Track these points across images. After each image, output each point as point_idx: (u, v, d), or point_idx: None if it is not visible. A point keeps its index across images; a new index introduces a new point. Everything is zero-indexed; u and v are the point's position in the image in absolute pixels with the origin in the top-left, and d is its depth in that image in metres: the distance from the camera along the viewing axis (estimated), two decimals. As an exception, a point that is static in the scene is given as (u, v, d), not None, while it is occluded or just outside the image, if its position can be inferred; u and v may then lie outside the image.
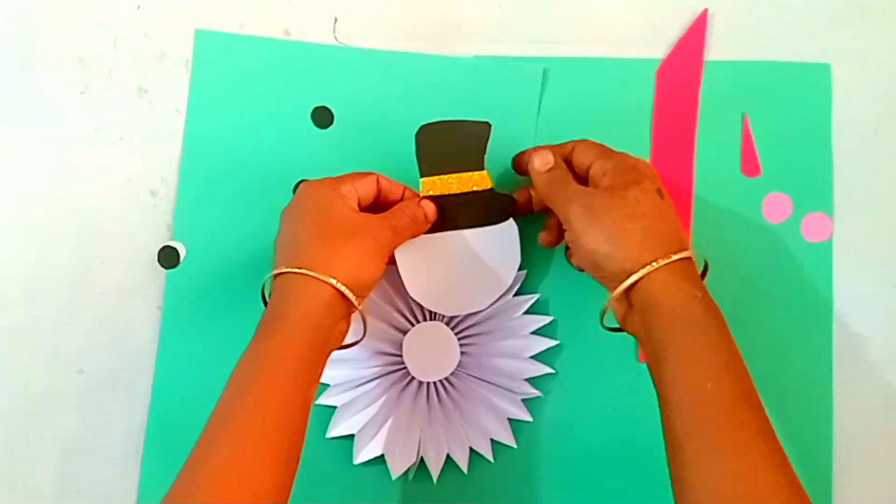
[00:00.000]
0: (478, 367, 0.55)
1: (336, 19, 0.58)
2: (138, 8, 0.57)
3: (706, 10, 0.58)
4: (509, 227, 0.54)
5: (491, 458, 0.54)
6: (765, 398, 0.55)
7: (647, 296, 0.45)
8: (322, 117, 0.57)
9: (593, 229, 0.46)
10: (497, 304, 0.54)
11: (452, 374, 0.54)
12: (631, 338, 0.56)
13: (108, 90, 0.57)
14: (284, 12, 0.57)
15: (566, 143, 0.51)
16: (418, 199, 0.52)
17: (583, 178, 0.50)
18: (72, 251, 0.56)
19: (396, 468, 0.53)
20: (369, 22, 0.58)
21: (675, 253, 0.45)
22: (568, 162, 0.51)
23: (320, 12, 0.57)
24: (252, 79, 0.57)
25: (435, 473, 0.54)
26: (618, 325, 0.48)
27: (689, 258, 0.45)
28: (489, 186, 0.53)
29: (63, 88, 0.57)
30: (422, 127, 0.53)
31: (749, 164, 0.57)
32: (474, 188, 0.53)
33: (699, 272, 0.47)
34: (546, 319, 0.55)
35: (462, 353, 0.55)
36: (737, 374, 0.44)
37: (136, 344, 0.56)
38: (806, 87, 0.58)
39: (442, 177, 0.53)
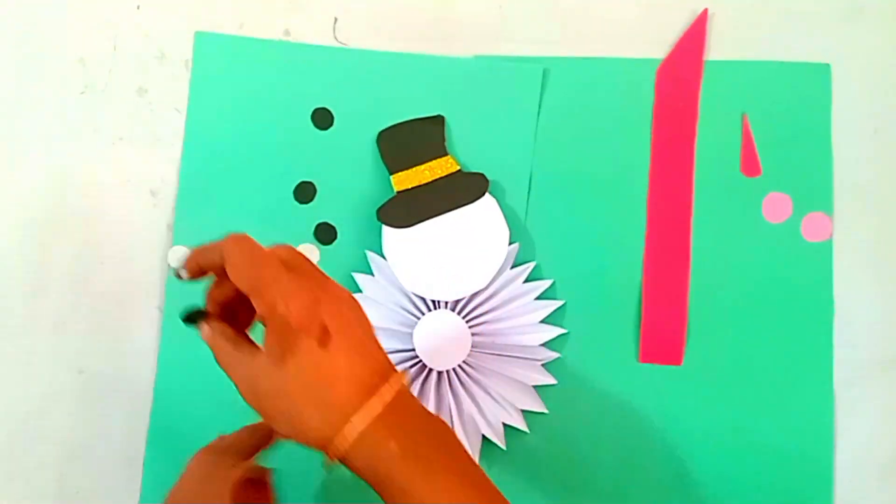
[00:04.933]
0: (491, 344, 0.55)
1: (336, 19, 0.58)
2: (138, 8, 0.57)
3: (706, 10, 0.58)
4: (488, 202, 0.55)
5: (526, 429, 0.54)
6: (765, 398, 0.56)
7: (352, 468, 0.40)
8: (322, 118, 0.57)
9: (268, 411, 0.40)
10: (498, 280, 0.55)
11: (469, 356, 0.55)
12: (631, 335, 0.56)
13: (108, 90, 0.57)
14: (284, 13, 0.57)
15: (216, 248, 0.41)
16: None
17: None
18: (72, 251, 0.56)
19: None
20: (369, 22, 0.57)
21: (357, 411, 0.39)
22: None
23: (320, 12, 0.57)
24: (252, 80, 0.57)
25: (476, 457, 0.54)
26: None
27: (379, 407, 0.39)
28: (457, 168, 0.55)
29: (63, 88, 0.57)
30: (381, 132, 0.56)
31: (749, 164, 0.57)
32: (443, 173, 0.55)
33: (406, 389, 0.41)
34: (546, 284, 0.56)
35: (473, 334, 0.55)
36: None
37: (136, 344, 0.56)
38: (806, 87, 0.58)
39: (410, 170, 0.55)
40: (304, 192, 0.56)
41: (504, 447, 0.55)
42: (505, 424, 0.55)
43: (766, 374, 0.56)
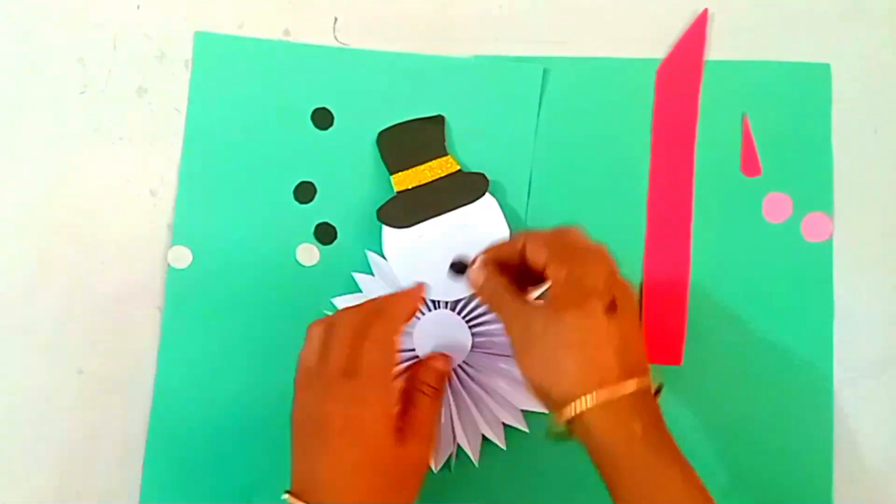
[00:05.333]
0: (491, 344, 0.55)
1: (336, 19, 0.58)
2: (138, 8, 0.57)
3: (706, 10, 0.58)
4: (487, 201, 0.55)
5: (526, 429, 0.54)
6: (765, 399, 0.56)
7: (585, 433, 0.43)
8: (322, 118, 0.57)
9: (529, 355, 0.44)
10: None
11: (469, 356, 0.55)
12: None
13: (108, 90, 0.57)
14: (284, 12, 0.57)
15: (517, 239, 0.48)
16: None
17: (538, 276, 0.47)
18: (72, 251, 0.56)
19: (438, 461, 0.54)
20: (369, 22, 0.58)
21: (613, 384, 0.42)
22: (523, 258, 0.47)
23: (320, 12, 0.57)
24: (252, 80, 0.57)
25: (475, 457, 0.54)
26: (566, 436, 0.45)
27: (634, 389, 0.42)
28: (457, 168, 0.55)
29: (63, 88, 0.57)
30: (380, 132, 0.56)
31: (749, 164, 0.57)
32: (444, 173, 0.55)
33: (652, 394, 0.44)
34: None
35: (474, 334, 0.55)
36: None
37: (136, 344, 0.56)
38: (806, 87, 0.58)
39: (410, 170, 0.55)
40: (304, 192, 0.56)
41: (504, 447, 0.55)
42: (505, 424, 0.55)
43: (765, 374, 0.56)
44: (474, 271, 0.49)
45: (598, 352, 0.42)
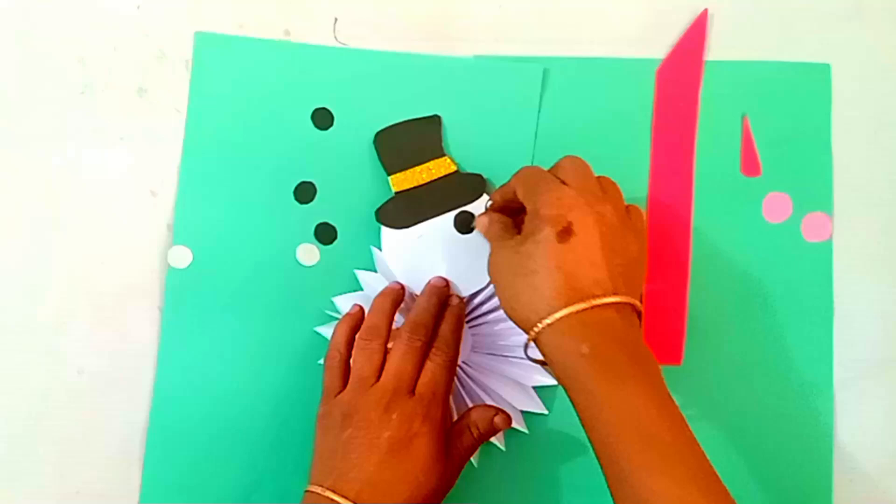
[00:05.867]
0: (492, 344, 0.55)
1: (336, 19, 0.58)
2: (138, 8, 0.57)
3: (706, 10, 0.58)
4: (485, 202, 0.55)
5: (526, 429, 0.54)
6: (765, 398, 0.56)
7: (544, 354, 0.45)
8: (322, 118, 0.57)
9: (500, 286, 0.46)
10: None
11: (469, 356, 0.55)
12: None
13: (108, 90, 0.57)
14: (284, 12, 0.57)
15: (511, 180, 0.50)
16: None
17: None
18: (72, 251, 0.56)
19: None
20: (369, 22, 0.57)
21: (563, 307, 0.43)
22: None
23: (320, 12, 0.57)
24: (252, 80, 0.57)
25: (475, 458, 0.54)
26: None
27: (582, 310, 0.43)
28: (454, 169, 0.55)
29: (63, 88, 0.57)
30: (377, 133, 0.56)
31: (749, 164, 0.57)
32: (441, 174, 0.55)
33: (620, 315, 0.44)
34: None
35: (473, 335, 0.55)
36: (632, 425, 0.42)
37: (136, 344, 0.56)
38: (806, 87, 0.58)
39: (408, 171, 0.55)
40: (304, 192, 0.56)
41: (504, 447, 0.55)
42: None
43: (765, 374, 0.56)
44: (480, 216, 0.50)
45: (548, 276, 0.44)
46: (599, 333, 0.43)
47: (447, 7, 0.58)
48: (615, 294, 0.44)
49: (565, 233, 0.44)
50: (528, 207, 0.46)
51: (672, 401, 0.43)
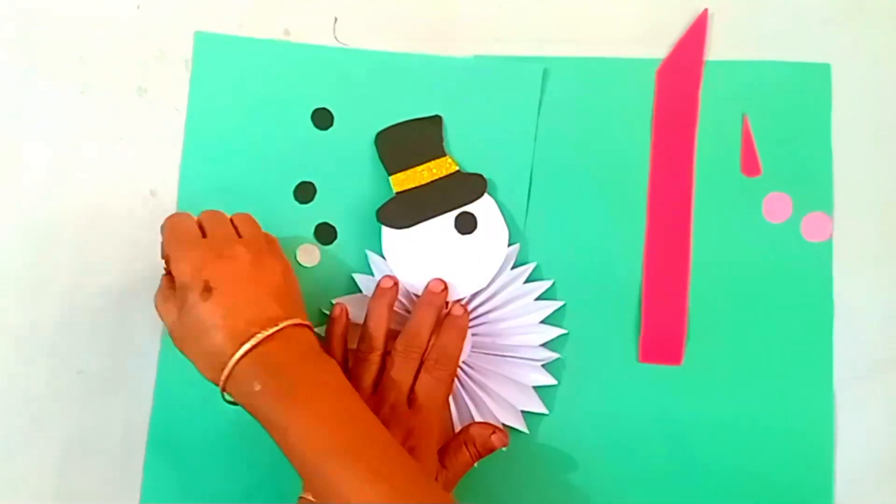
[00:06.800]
0: (491, 344, 0.55)
1: (336, 19, 0.58)
2: (138, 8, 0.57)
3: (706, 10, 0.58)
4: (486, 202, 0.55)
5: (525, 430, 0.54)
6: (765, 398, 0.56)
7: (238, 404, 0.46)
8: (322, 118, 0.57)
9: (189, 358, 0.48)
10: (498, 281, 0.55)
11: (469, 356, 0.55)
12: (631, 335, 0.56)
13: (108, 90, 0.57)
14: (284, 12, 0.57)
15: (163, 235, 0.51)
16: None
17: None
18: (72, 251, 0.56)
19: None
20: (369, 22, 0.57)
21: (231, 356, 0.45)
22: None
23: (320, 12, 0.57)
24: (252, 80, 0.57)
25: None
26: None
27: (244, 352, 0.45)
28: (455, 169, 0.55)
29: (63, 88, 0.57)
30: (378, 133, 0.56)
31: (749, 164, 0.57)
32: (442, 174, 0.55)
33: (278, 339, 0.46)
34: (546, 284, 0.56)
35: (473, 335, 0.55)
36: (321, 444, 0.43)
37: (136, 344, 0.56)
38: (806, 87, 0.58)
39: (409, 171, 0.55)
40: (304, 192, 0.56)
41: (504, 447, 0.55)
42: (505, 424, 0.55)
43: (766, 374, 0.56)
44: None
45: (207, 337, 0.46)
46: (265, 369, 0.45)
47: (447, 7, 0.58)
48: (271, 325, 0.46)
49: (206, 291, 0.46)
50: (173, 274, 0.48)
51: (353, 397, 0.46)
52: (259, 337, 0.45)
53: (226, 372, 0.45)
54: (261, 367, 0.45)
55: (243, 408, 0.46)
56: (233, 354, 0.45)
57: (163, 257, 0.50)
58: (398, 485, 0.43)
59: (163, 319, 0.49)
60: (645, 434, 0.56)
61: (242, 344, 0.45)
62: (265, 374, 0.45)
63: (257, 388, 0.44)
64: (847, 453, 0.56)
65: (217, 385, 0.46)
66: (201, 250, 0.48)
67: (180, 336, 0.47)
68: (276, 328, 0.46)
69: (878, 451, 0.56)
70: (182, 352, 0.48)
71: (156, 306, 0.50)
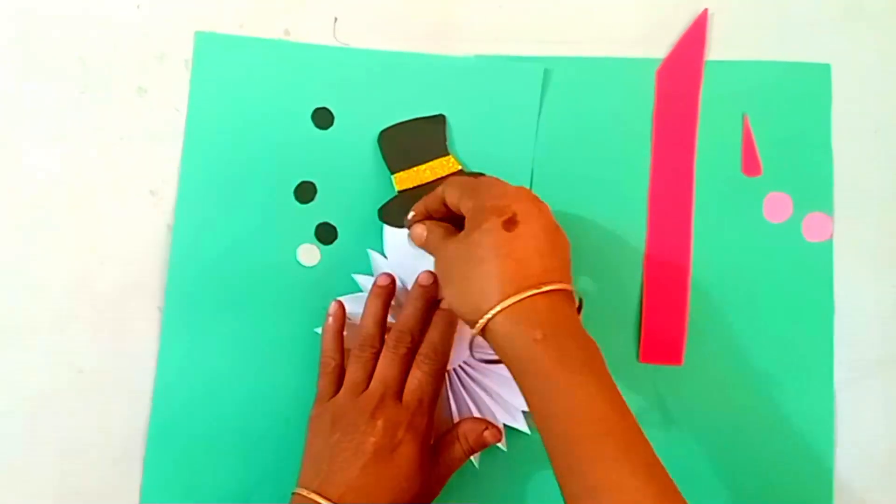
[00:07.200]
0: None
1: (336, 19, 0.58)
2: (138, 8, 0.57)
3: (706, 10, 0.58)
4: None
5: (525, 430, 0.54)
6: (765, 398, 0.56)
7: (494, 344, 0.45)
8: (322, 118, 0.57)
9: (447, 285, 0.47)
10: None
11: (469, 357, 0.55)
12: (631, 335, 0.56)
13: (107, 90, 0.57)
14: (284, 12, 0.57)
15: (438, 188, 0.51)
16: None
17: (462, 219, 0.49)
18: (72, 251, 0.56)
19: None
20: (369, 22, 0.57)
21: (515, 293, 0.43)
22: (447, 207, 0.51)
23: (320, 12, 0.57)
24: (252, 80, 0.57)
25: (476, 458, 0.54)
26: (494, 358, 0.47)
27: (534, 294, 0.43)
28: (458, 168, 0.55)
29: (63, 88, 0.57)
30: (381, 132, 0.56)
31: (749, 164, 0.57)
32: (445, 173, 0.55)
33: (566, 306, 0.45)
34: None
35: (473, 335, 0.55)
36: (587, 413, 0.42)
37: (136, 344, 0.55)
38: (806, 87, 0.58)
39: (411, 170, 0.55)
40: (305, 192, 0.56)
41: (504, 447, 0.55)
42: (505, 425, 0.55)
43: (766, 374, 0.56)
44: (413, 229, 0.52)
45: (498, 264, 0.44)
46: (551, 320, 0.43)
47: (447, 7, 0.58)
48: (561, 282, 0.45)
49: (511, 222, 0.45)
50: (469, 205, 0.47)
51: (618, 390, 0.44)
52: (555, 286, 0.44)
53: (505, 304, 0.43)
54: (546, 316, 0.43)
55: (495, 364, 0.45)
56: (518, 290, 0.43)
57: (430, 206, 0.51)
58: (667, 485, 0.41)
59: (436, 249, 0.49)
60: (645, 434, 0.56)
61: (534, 286, 0.43)
62: (550, 325, 0.43)
63: (538, 335, 0.43)
64: (847, 453, 0.56)
65: (471, 317, 0.44)
66: (515, 188, 0.48)
67: (457, 254, 0.46)
68: (567, 287, 0.44)
69: (878, 451, 0.56)
70: (444, 274, 0.47)
71: (418, 236, 0.51)
